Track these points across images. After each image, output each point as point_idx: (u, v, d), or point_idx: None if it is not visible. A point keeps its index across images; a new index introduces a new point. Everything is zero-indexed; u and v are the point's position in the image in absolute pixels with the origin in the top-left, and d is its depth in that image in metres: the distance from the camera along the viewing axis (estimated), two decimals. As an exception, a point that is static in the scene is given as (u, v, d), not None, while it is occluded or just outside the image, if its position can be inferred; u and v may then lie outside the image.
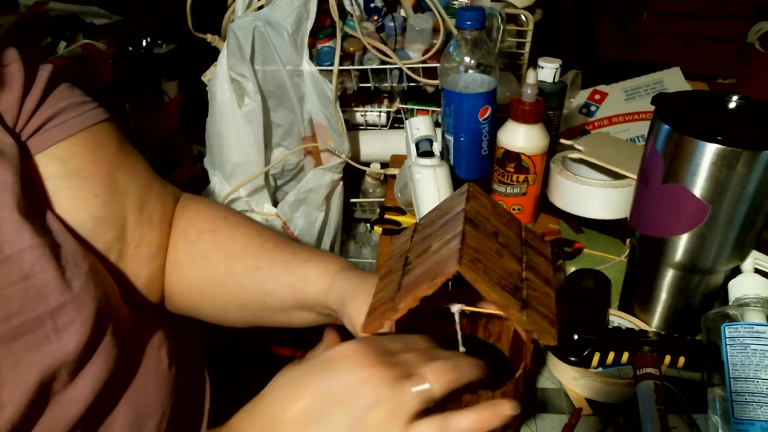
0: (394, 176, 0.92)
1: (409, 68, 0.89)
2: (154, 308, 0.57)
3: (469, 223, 0.45)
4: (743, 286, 0.52)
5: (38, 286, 0.41)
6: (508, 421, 0.40)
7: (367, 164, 0.99)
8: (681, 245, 0.53)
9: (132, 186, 0.52)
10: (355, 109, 1.04)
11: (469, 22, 0.69)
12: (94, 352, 0.44)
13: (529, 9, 0.95)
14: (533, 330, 0.42)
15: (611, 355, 0.53)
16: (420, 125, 0.70)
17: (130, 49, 1.43)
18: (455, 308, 0.45)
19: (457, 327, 0.45)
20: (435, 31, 0.88)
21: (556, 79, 0.81)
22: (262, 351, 0.90)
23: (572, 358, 0.54)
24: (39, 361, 0.41)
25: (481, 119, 0.74)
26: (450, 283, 0.47)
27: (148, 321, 0.54)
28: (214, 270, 0.56)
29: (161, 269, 0.56)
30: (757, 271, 0.54)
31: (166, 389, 0.53)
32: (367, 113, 1.04)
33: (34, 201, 0.44)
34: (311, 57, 0.88)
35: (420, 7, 0.91)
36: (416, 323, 0.50)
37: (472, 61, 0.72)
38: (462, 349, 0.46)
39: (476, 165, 0.78)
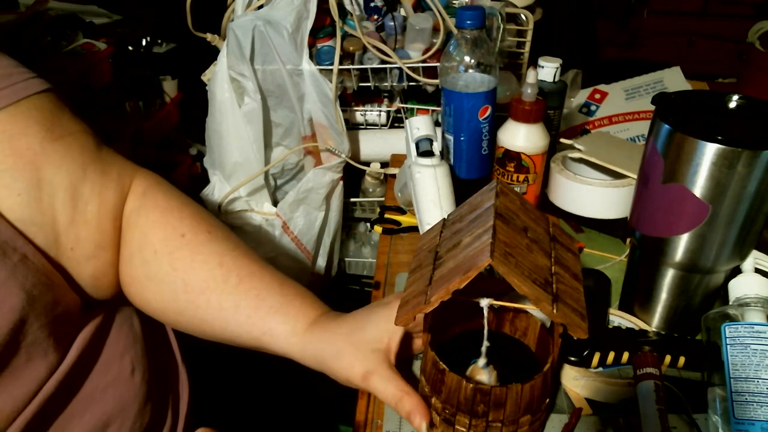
0: (393, 176, 0.92)
1: (409, 67, 0.89)
2: (109, 304, 0.53)
3: (500, 218, 0.45)
4: (743, 286, 0.52)
5: None
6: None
7: (367, 164, 0.99)
8: (681, 245, 0.53)
9: (61, 179, 0.46)
10: (355, 108, 1.04)
11: (469, 22, 0.69)
12: (22, 347, 0.42)
13: (529, 8, 0.95)
14: (564, 323, 0.42)
15: (611, 355, 0.53)
16: (420, 125, 0.70)
17: (130, 48, 1.43)
18: (484, 302, 0.46)
19: (485, 321, 0.46)
20: (435, 30, 0.88)
21: (557, 79, 0.81)
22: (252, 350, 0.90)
23: (572, 358, 0.54)
24: None
25: (481, 119, 0.74)
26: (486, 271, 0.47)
27: (106, 326, 0.52)
28: (174, 298, 0.53)
29: (107, 267, 0.52)
30: (757, 270, 0.54)
31: (130, 396, 0.51)
32: (367, 113, 1.04)
33: None
34: (311, 56, 0.88)
35: (420, 6, 0.91)
36: (446, 317, 0.51)
37: (472, 61, 0.72)
38: (486, 343, 0.46)
39: (476, 164, 0.78)
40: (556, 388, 0.54)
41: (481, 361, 0.47)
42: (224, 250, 0.54)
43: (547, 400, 0.48)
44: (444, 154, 0.77)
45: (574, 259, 0.51)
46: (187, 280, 0.52)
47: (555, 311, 0.42)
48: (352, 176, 1.05)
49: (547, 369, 0.45)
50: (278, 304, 0.52)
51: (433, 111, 0.98)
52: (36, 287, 0.42)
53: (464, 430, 0.45)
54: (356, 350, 0.48)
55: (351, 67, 0.90)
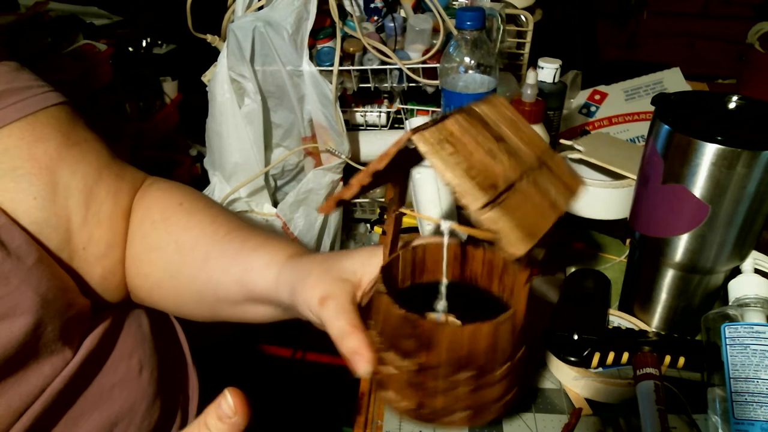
0: (394, 176, 0.92)
1: (409, 68, 0.89)
2: (118, 306, 0.54)
3: (465, 114, 0.38)
4: (743, 287, 0.52)
5: None
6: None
7: (367, 164, 0.99)
8: (681, 245, 0.53)
9: (77, 182, 0.48)
10: (355, 109, 1.04)
11: (469, 23, 0.69)
12: (34, 349, 0.42)
13: (529, 9, 0.95)
14: (495, 230, 0.33)
15: (611, 355, 0.53)
16: (420, 125, 0.70)
17: (130, 49, 1.43)
18: (445, 225, 0.39)
19: (444, 249, 0.39)
20: (435, 31, 0.88)
21: (556, 80, 0.81)
22: (254, 350, 0.90)
23: (572, 358, 0.54)
24: None
25: (481, 119, 0.74)
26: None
27: (115, 327, 0.52)
28: (168, 261, 0.53)
29: (115, 265, 0.53)
30: (757, 271, 0.54)
31: (138, 394, 0.52)
32: (367, 113, 1.04)
33: None
34: (311, 57, 0.88)
35: (420, 7, 0.91)
36: (414, 269, 0.47)
37: (472, 62, 0.72)
38: (445, 280, 0.40)
39: (476, 165, 0.78)
40: (533, 395, 0.54)
41: (440, 304, 0.39)
42: (219, 212, 0.55)
43: (509, 363, 0.37)
44: (444, 155, 0.77)
45: (565, 197, 0.39)
46: (178, 240, 0.53)
47: (486, 212, 0.32)
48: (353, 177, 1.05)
49: (504, 319, 0.34)
50: (260, 244, 0.51)
51: (433, 112, 0.98)
52: (50, 291, 0.43)
53: (394, 372, 0.37)
54: (324, 273, 0.44)
55: (351, 68, 0.90)
